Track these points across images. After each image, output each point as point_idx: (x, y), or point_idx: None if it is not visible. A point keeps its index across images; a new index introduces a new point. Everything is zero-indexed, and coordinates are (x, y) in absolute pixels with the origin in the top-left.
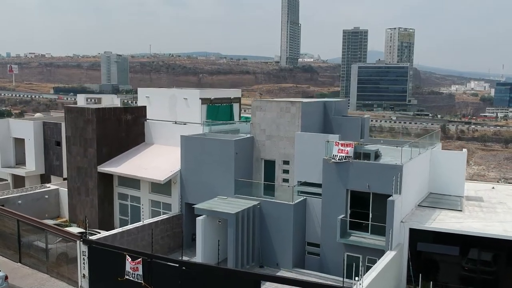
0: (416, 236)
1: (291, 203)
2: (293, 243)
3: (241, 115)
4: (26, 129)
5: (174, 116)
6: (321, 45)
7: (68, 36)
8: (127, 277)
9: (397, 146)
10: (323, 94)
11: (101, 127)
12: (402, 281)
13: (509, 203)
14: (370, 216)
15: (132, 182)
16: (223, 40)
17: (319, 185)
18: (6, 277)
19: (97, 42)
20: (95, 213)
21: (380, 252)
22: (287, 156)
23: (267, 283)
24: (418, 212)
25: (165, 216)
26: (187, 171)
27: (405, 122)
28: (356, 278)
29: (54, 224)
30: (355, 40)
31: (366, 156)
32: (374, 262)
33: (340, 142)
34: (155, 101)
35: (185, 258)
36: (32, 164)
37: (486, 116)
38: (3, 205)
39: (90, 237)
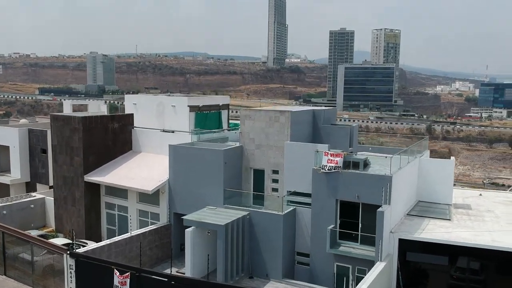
0: (406, 246)
1: (281, 213)
2: (283, 253)
3: (230, 121)
4: (11, 136)
5: (161, 124)
6: (308, 46)
7: (54, 36)
8: None
9: (386, 156)
10: (310, 94)
11: (87, 135)
12: None
13: (497, 211)
14: (360, 226)
15: (120, 191)
16: (210, 40)
17: (308, 195)
18: None
19: (83, 42)
20: (82, 223)
21: (370, 263)
22: (276, 165)
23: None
24: (407, 222)
25: (153, 227)
26: (176, 181)
27: (391, 123)
28: None
29: (39, 236)
30: (341, 41)
31: (356, 165)
32: (364, 272)
33: (329, 152)
34: (142, 108)
35: (174, 269)
36: (17, 172)
37: (470, 116)
38: None
39: (78, 250)
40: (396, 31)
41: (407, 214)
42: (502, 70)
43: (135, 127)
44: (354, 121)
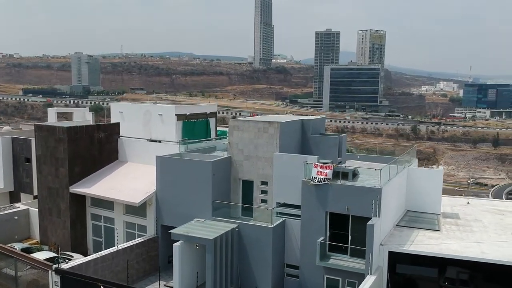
0: (395, 258)
1: (270, 226)
2: (272, 265)
3: (218, 129)
4: None
5: (148, 132)
6: (294, 46)
7: (38, 36)
8: None
9: (375, 169)
10: (297, 95)
11: (73, 146)
12: None
13: (484, 220)
14: (350, 238)
15: (106, 203)
16: (196, 40)
17: (298, 207)
18: None
19: (68, 42)
20: (67, 235)
21: (360, 275)
22: (265, 176)
23: None
24: (396, 233)
25: (140, 240)
26: (163, 193)
27: (376, 123)
28: None
29: (24, 249)
30: (327, 42)
31: (345, 175)
32: (354, 285)
33: (319, 164)
34: (128, 116)
35: (162, 283)
36: (1, 182)
37: (455, 116)
38: None
39: (63, 265)
40: (381, 32)
41: (397, 225)
42: (485, 71)
43: (122, 136)
44: (331, 121)
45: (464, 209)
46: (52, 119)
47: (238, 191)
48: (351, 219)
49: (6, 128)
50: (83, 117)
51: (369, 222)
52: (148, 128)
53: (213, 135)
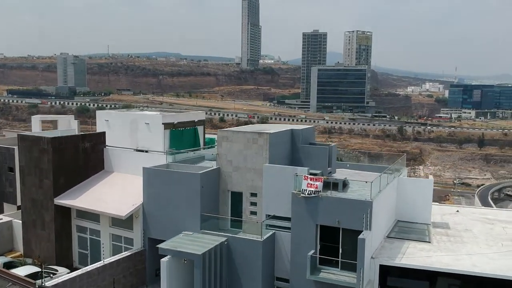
0: (386, 271)
1: (260, 239)
2: (262, 279)
3: (206, 136)
4: None
5: (135, 142)
6: (281, 47)
7: (22, 36)
8: None
9: (366, 182)
10: (284, 96)
11: (57, 157)
12: None
13: (474, 230)
14: (340, 251)
15: (92, 214)
16: (183, 41)
17: (288, 219)
18: None
19: (53, 43)
20: (52, 248)
21: None
22: (254, 188)
23: None
24: (387, 245)
25: (127, 253)
26: (150, 205)
27: (363, 124)
28: None
29: (6, 262)
30: (314, 43)
31: (335, 185)
32: None
33: (309, 176)
34: (115, 125)
35: None
36: None
37: (441, 117)
38: None
39: (47, 283)
40: (368, 33)
41: (387, 237)
42: (470, 71)
43: (108, 146)
44: (311, 121)
45: (454, 218)
46: (36, 127)
47: (227, 203)
48: (341, 232)
49: None
50: (68, 125)
51: (360, 236)
52: (134, 137)
53: (201, 143)
